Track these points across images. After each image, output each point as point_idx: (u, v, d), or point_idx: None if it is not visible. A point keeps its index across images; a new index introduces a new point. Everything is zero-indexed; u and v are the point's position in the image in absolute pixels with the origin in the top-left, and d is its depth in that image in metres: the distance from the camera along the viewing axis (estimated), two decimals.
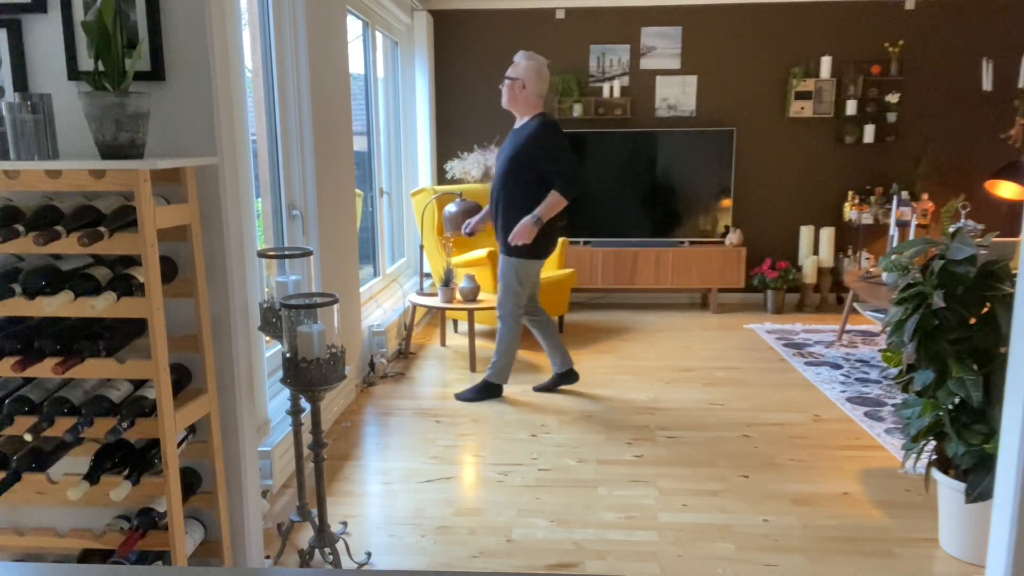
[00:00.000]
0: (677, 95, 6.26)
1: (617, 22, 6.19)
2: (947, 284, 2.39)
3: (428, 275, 5.87)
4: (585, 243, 6.19)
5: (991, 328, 2.37)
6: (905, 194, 5.73)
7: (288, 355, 2.11)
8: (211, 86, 1.99)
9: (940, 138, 6.17)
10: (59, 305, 1.74)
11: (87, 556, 2.09)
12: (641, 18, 6.17)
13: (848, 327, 5.58)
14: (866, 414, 3.82)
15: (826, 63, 6.03)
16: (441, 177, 6.45)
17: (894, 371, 4.42)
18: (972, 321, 2.40)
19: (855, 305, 5.36)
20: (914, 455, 2.54)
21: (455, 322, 5.73)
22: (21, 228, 1.74)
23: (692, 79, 6.23)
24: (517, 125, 3.89)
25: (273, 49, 3.32)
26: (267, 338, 2.99)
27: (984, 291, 2.37)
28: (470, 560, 2.50)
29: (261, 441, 2.98)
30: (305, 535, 2.69)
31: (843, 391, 4.18)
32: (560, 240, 5.48)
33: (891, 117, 6.06)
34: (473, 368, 4.63)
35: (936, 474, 2.54)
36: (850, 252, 6.26)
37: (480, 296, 4.86)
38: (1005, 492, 1.64)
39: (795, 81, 6.05)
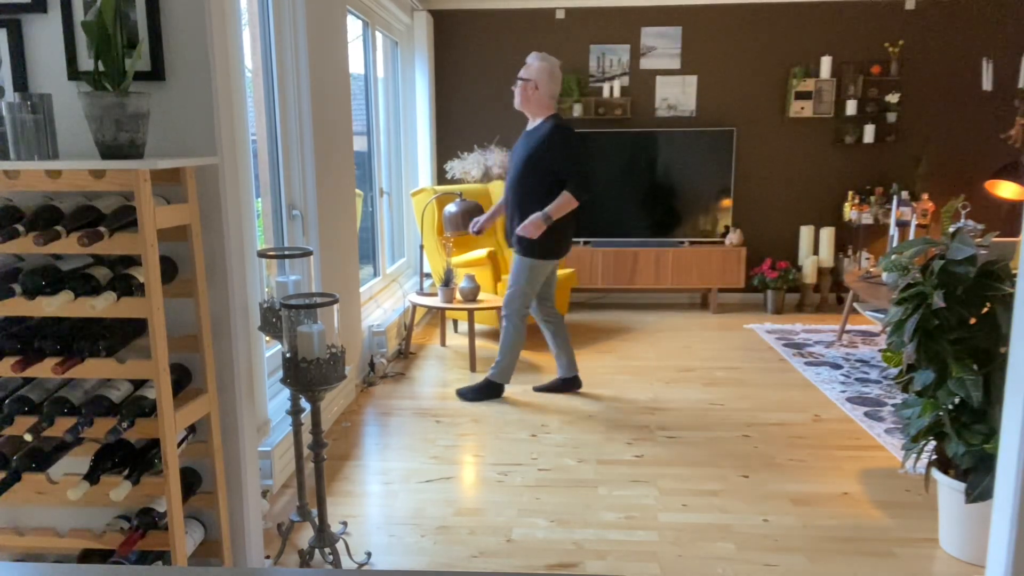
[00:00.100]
0: (677, 95, 6.26)
1: (617, 22, 6.19)
2: (947, 284, 2.39)
3: (428, 275, 5.87)
4: (585, 243, 6.19)
5: (991, 328, 2.37)
6: (905, 194, 5.73)
7: (288, 355, 2.11)
8: (211, 86, 1.99)
9: (940, 138, 6.17)
10: (59, 305, 1.74)
11: (87, 556, 2.09)
12: (641, 18, 6.17)
13: (848, 327, 5.58)
14: (866, 414, 3.82)
15: (826, 63, 6.03)
16: (441, 177, 6.45)
17: (894, 371, 4.42)
18: (972, 321, 2.40)
19: (855, 305, 5.37)
20: (914, 455, 2.54)
21: (455, 322, 5.73)
22: (21, 228, 1.74)
23: (692, 79, 6.23)
24: (530, 127, 3.89)
25: (273, 49, 3.32)
26: (267, 338, 2.99)
27: (984, 291, 2.37)
28: (470, 560, 2.50)
29: (261, 441, 2.98)
30: (305, 535, 2.69)
31: (843, 391, 4.18)
32: None
33: (891, 117, 6.06)
34: (473, 368, 4.63)
35: (936, 474, 2.54)
36: (850, 252, 6.25)
37: (480, 296, 4.86)
38: (1005, 492, 1.64)
39: (795, 81, 6.05)
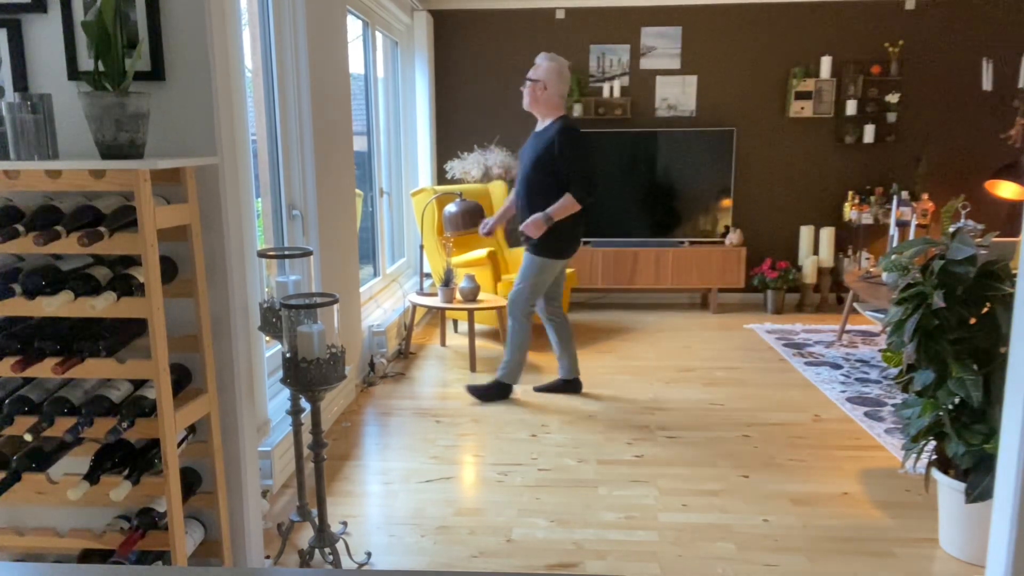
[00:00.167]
0: (677, 95, 6.26)
1: (617, 22, 6.19)
2: (947, 284, 2.39)
3: (428, 275, 5.87)
4: (585, 243, 6.19)
5: (991, 328, 2.37)
6: (905, 194, 5.73)
7: (288, 355, 2.11)
8: (211, 86, 1.99)
9: (940, 138, 6.17)
10: (59, 305, 1.74)
11: (87, 556, 2.09)
12: (641, 18, 6.17)
13: (848, 327, 5.58)
14: (866, 414, 3.82)
15: (826, 63, 6.03)
16: (441, 177, 6.45)
17: (894, 371, 4.42)
18: (972, 321, 2.40)
19: (855, 305, 5.37)
20: (914, 455, 2.54)
21: (455, 322, 5.73)
22: (21, 228, 1.74)
23: (692, 79, 6.23)
24: (539, 127, 3.90)
25: (273, 49, 3.32)
26: (267, 338, 2.99)
27: (984, 291, 2.37)
28: (470, 560, 2.50)
29: (261, 441, 2.98)
30: (305, 535, 2.69)
31: (843, 391, 4.18)
32: None
33: (891, 117, 6.06)
34: (473, 368, 4.63)
35: (936, 474, 2.54)
36: (850, 252, 6.25)
37: (480, 296, 4.86)
38: (1005, 492, 1.64)
39: (795, 81, 6.05)
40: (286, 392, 3.37)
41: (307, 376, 2.08)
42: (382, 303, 5.24)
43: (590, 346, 5.16)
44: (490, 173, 6.07)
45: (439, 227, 5.34)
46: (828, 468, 3.20)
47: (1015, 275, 2.34)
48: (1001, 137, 6.11)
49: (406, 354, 4.97)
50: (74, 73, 1.99)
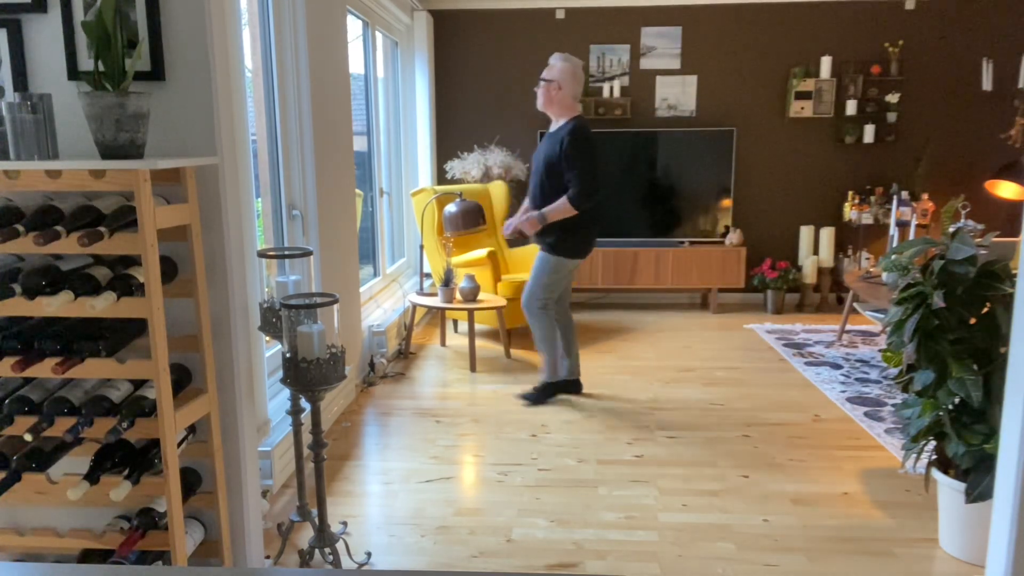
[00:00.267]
0: (677, 95, 6.26)
1: (617, 22, 6.19)
2: (947, 284, 2.39)
3: (428, 275, 5.87)
4: None
5: (991, 328, 2.37)
6: (905, 194, 5.73)
7: (288, 355, 2.11)
8: (211, 86, 1.99)
9: (940, 138, 6.17)
10: (59, 305, 1.74)
11: (87, 556, 2.09)
12: (641, 18, 6.17)
13: (848, 327, 5.58)
14: (866, 414, 3.82)
15: (826, 63, 6.03)
16: (441, 177, 6.45)
17: (894, 371, 4.42)
18: (972, 321, 2.40)
19: (855, 305, 5.37)
20: (914, 455, 2.54)
21: (455, 322, 5.73)
22: (21, 228, 1.74)
23: (692, 79, 6.23)
24: (553, 128, 3.89)
25: (273, 49, 3.32)
26: (267, 338, 2.99)
27: (984, 291, 2.37)
28: (470, 560, 2.50)
29: (261, 441, 2.98)
30: (305, 535, 2.69)
31: (843, 391, 4.18)
32: None
33: (891, 117, 6.06)
34: (473, 368, 4.63)
35: (936, 474, 2.54)
36: (850, 252, 6.26)
37: (480, 296, 4.86)
38: (1005, 492, 1.64)
39: (795, 81, 6.05)
40: (286, 392, 3.37)
41: (307, 376, 2.08)
42: (382, 303, 5.24)
43: (590, 346, 5.16)
44: (490, 173, 6.07)
45: (439, 227, 5.34)
46: (828, 468, 3.20)
47: (1015, 275, 2.34)
48: (1001, 137, 6.11)
49: (406, 354, 4.97)
50: (74, 73, 1.99)
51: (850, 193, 6.17)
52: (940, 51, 6.05)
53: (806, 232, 6.22)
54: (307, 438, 3.24)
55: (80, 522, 2.19)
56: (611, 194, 6.22)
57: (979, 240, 2.52)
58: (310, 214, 3.53)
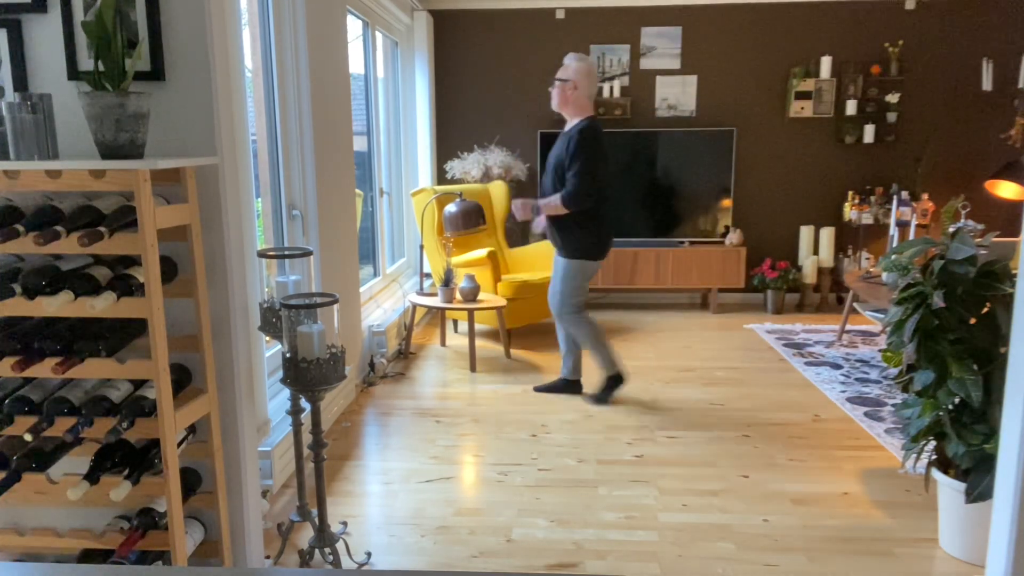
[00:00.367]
0: (677, 95, 6.26)
1: (617, 22, 6.19)
2: (947, 284, 2.39)
3: (428, 275, 5.87)
4: None
5: (991, 328, 2.37)
6: (905, 194, 5.72)
7: (288, 355, 2.11)
8: (211, 86, 1.99)
9: (940, 138, 6.17)
10: (59, 305, 1.74)
11: (87, 556, 2.09)
12: (641, 18, 6.17)
13: (848, 327, 5.58)
14: (866, 414, 3.82)
15: (826, 63, 6.03)
16: (441, 177, 6.45)
17: (894, 371, 4.42)
18: (972, 321, 2.40)
19: (855, 305, 5.37)
20: (914, 455, 2.54)
21: (455, 322, 5.73)
22: (21, 228, 1.74)
23: (692, 79, 6.23)
24: (567, 128, 3.90)
25: (273, 49, 3.32)
26: (267, 338, 2.99)
27: (984, 291, 2.37)
28: (470, 560, 2.50)
29: (261, 441, 2.98)
30: (305, 535, 2.69)
31: (843, 391, 4.18)
32: None
33: (891, 117, 6.06)
34: (473, 368, 4.63)
35: (936, 474, 2.54)
36: (850, 252, 6.26)
37: (480, 296, 4.86)
38: (1005, 492, 1.64)
39: (795, 81, 6.05)
40: (286, 392, 3.37)
41: (307, 376, 2.08)
42: (382, 303, 5.24)
43: None
44: (490, 173, 6.07)
45: (439, 227, 5.34)
46: (828, 468, 3.20)
47: (1015, 275, 2.34)
48: (1001, 137, 6.11)
49: (406, 354, 4.97)
50: (74, 73, 1.99)
51: (850, 193, 6.17)
52: (940, 51, 6.05)
53: (806, 232, 6.22)
54: (307, 438, 3.24)
55: (80, 522, 2.19)
56: (612, 194, 6.21)
57: (979, 240, 2.52)
58: (310, 214, 3.53)
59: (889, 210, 6.02)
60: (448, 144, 6.46)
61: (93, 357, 1.85)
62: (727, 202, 6.19)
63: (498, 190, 5.76)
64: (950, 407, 2.45)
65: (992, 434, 2.34)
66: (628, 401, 4.06)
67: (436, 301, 4.76)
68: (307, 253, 2.43)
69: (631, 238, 6.22)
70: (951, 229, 3.37)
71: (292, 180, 3.47)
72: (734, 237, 6.12)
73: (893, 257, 2.74)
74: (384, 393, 4.22)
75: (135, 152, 1.84)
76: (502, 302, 4.76)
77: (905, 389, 2.56)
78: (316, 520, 2.34)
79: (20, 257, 1.98)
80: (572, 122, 3.86)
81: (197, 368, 2.10)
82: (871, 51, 6.08)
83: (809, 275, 6.20)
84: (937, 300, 2.32)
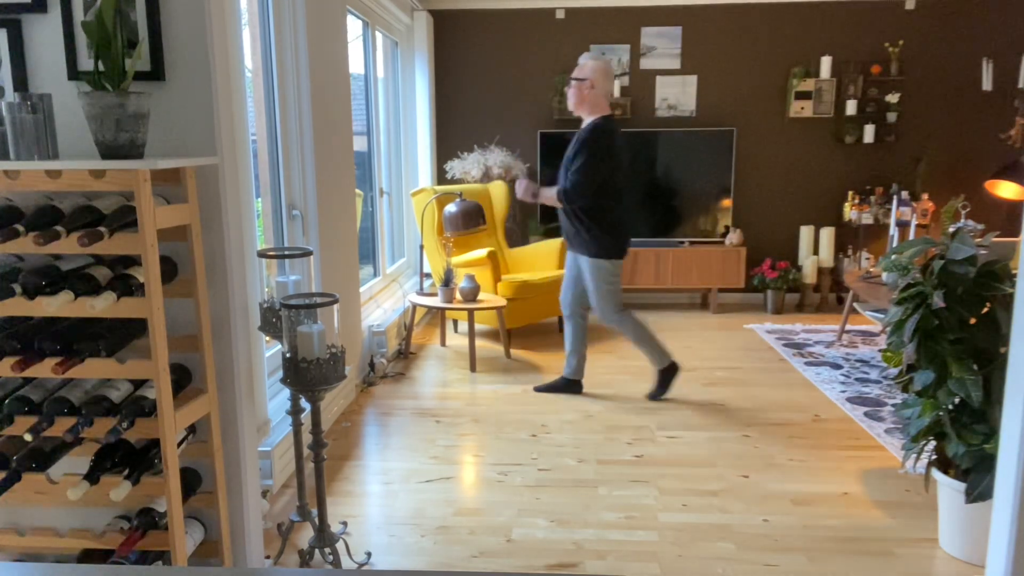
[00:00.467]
0: (677, 95, 6.26)
1: (617, 22, 6.19)
2: (947, 284, 2.39)
3: (428, 275, 5.87)
4: None
5: (991, 328, 2.37)
6: (905, 194, 5.73)
7: (288, 355, 2.11)
8: (211, 86, 1.99)
9: (940, 138, 6.17)
10: (59, 305, 1.74)
11: (87, 556, 2.09)
12: (641, 18, 6.17)
13: (848, 327, 5.58)
14: (866, 414, 3.82)
15: (826, 63, 6.03)
16: (441, 177, 6.45)
17: (894, 371, 4.42)
18: (972, 321, 2.40)
19: (855, 305, 5.36)
20: (914, 455, 2.54)
21: (455, 322, 5.73)
22: (21, 228, 1.74)
23: (692, 79, 6.23)
24: (582, 126, 3.90)
25: (273, 49, 3.32)
26: (267, 338, 2.99)
27: (984, 291, 2.37)
28: (470, 560, 2.50)
29: (261, 441, 2.98)
30: (305, 535, 2.69)
31: (843, 391, 4.18)
32: (561, 240, 5.48)
33: (891, 117, 6.06)
34: (473, 368, 4.63)
35: (936, 474, 2.54)
36: (850, 252, 6.26)
37: (480, 296, 4.86)
38: (1005, 492, 1.64)
39: (795, 81, 6.05)
40: (286, 392, 3.37)
41: (307, 376, 2.08)
42: (382, 303, 5.24)
43: (591, 346, 5.16)
44: (490, 173, 6.07)
45: (439, 227, 5.34)
46: (828, 468, 3.20)
47: (1015, 275, 2.34)
48: (1001, 137, 6.11)
49: (406, 354, 4.97)
50: (74, 73, 1.99)
51: (850, 193, 6.17)
52: (940, 51, 6.05)
53: (806, 232, 6.22)
54: (307, 438, 3.24)
55: (80, 522, 2.19)
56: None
57: (979, 240, 2.52)
58: (310, 214, 3.53)
59: (889, 210, 6.02)
60: (448, 144, 6.46)
61: (93, 357, 1.85)
62: (727, 202, 6.19)
63: (498, 190, 5.76)
64: (950, 407, 2.45)
65: (992, 434, 2.34)
66: (628, 401, 4.06)
67: (436, 301, 4.76)
68: (307, 253, 2.43)
69: (631, 238, 6.21)
70: (951, 229, 3.37)
71: (292, 180, 3.47)
72: (734, 237, 6.12)
73: (893, 257, 2.74)
74: (384, 393, 4.22)
75: (135, 152, 1.84)
76: (502, 302, 4.76)
77: (905, 389, 2.56)
78: (316, 520, 2.34)
79: (20, 257, 1.98)
80: (587, 121, 3.86)
81: (197, 368, 2.10)
82: (871, 51, 6.08)
83: (809, 275, 6.20)
84: (937, 300, 2.32)
